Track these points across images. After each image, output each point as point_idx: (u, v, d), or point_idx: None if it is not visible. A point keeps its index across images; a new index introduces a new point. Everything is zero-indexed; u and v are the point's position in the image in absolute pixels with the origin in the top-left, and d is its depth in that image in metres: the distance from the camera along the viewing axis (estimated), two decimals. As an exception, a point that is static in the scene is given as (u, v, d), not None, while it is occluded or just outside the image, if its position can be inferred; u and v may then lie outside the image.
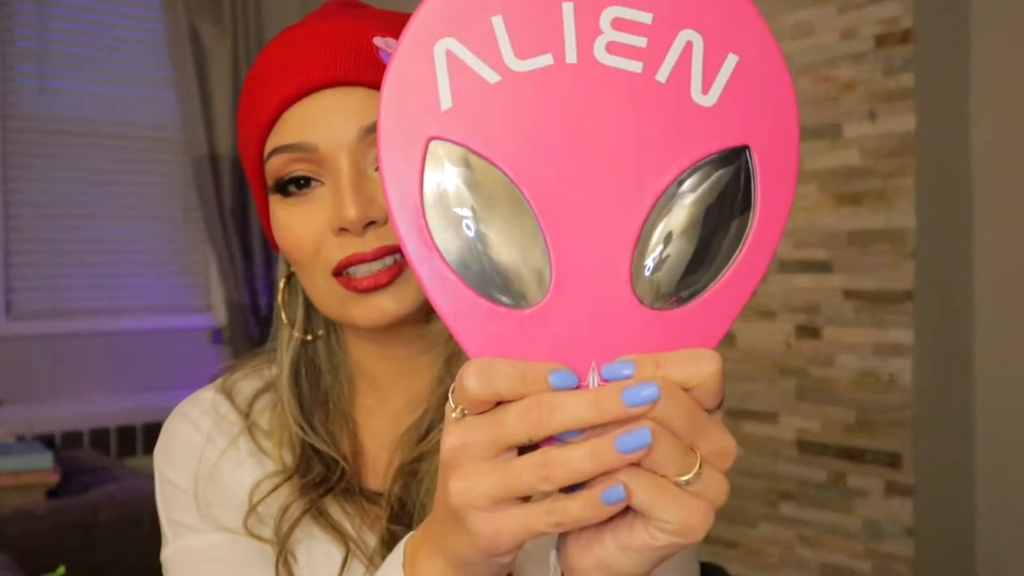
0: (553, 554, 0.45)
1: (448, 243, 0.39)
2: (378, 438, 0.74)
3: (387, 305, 0.64)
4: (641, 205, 0.39)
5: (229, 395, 0.75)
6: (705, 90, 0.40)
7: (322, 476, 0.70)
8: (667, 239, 0.40)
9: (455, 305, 0.40)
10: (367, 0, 0.73)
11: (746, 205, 0.40)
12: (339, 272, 0.64)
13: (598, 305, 0.40)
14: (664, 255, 0.40)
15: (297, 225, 0.65)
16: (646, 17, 0.39)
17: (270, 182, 0.66)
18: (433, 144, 0.39)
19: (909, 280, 1.73)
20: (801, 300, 1.89)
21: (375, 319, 0.65)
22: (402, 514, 0.69)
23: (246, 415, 0.73)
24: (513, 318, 0.40)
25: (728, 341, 2.02)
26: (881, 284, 1.77)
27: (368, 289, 0.64)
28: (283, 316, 0.73)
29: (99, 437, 3.10)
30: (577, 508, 0.38)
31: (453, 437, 0.40)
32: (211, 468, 0.71)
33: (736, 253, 0.40)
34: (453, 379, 0.66)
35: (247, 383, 0.76)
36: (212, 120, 3.33)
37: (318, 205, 0.65)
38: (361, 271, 0.64)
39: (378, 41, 0.66)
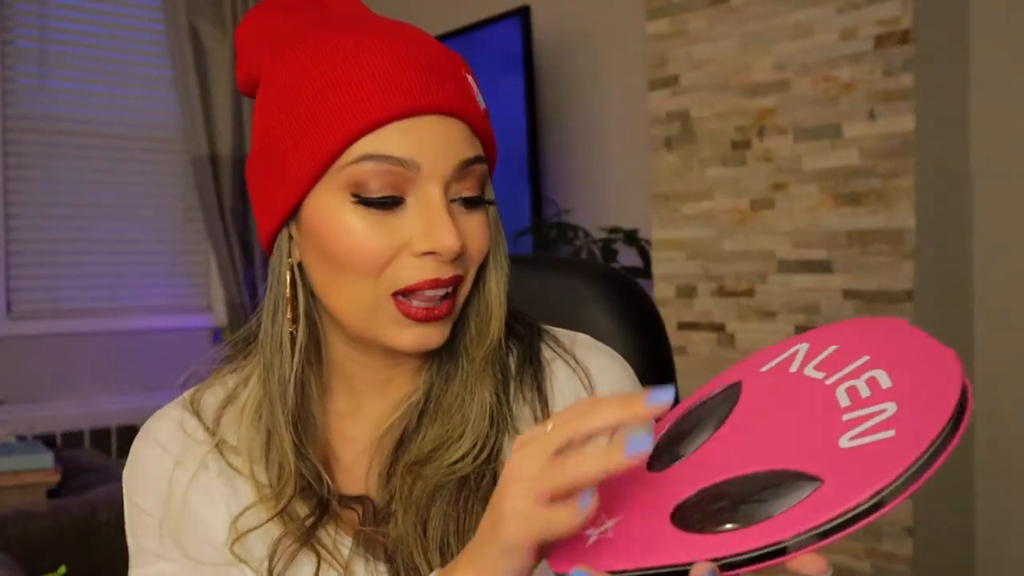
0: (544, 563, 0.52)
1: (671, 431, 0.56)
2: (354, 444, 0.73)
3: (433, 338, 0.66)
4: (740, 470, 0.50)
5: (196, 412, 0.73)
6: (853, 438, 0.48)
7: (316, 499, 0.68)
8: (718, 495, 0.49)
9: None
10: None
11: (762, 514, 0.47)
12: (402, 293, 0.64)
13: (656, 498, 0.51)
14: (705, 501, 0.49)
15: (374, 235, 0.64)
16: (888, 384, 0.50)
17: (348, 184, 0.64)
18: (736, 383, 0.57)
19: (909, 280, 1.73)
20: (801, 300, 1.89)
21: (412, 347, 0.66)
22: (385, 515, 0.68)
23: (213, 432, 0.72)
24: (638, 469, 0.53)
25: (728, 341, 2.02)
26: (881, 284, 1.77)
27: (423, 320, 0.65)
28: (288, 313, 0.69)
29: (99, 437, 3.11)
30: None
31: (525, 462, 0.50)
32: (183, 499, 0.70)
33: (720, 531, 0.48)
34: (433, 384, 0.71)
35: (212, 395, 0.75)
36: (212, 120, 3.33)
37: (401, 223, 0.64)
38: (426, 296, 0.64)
39: (468, 77, 0.68)
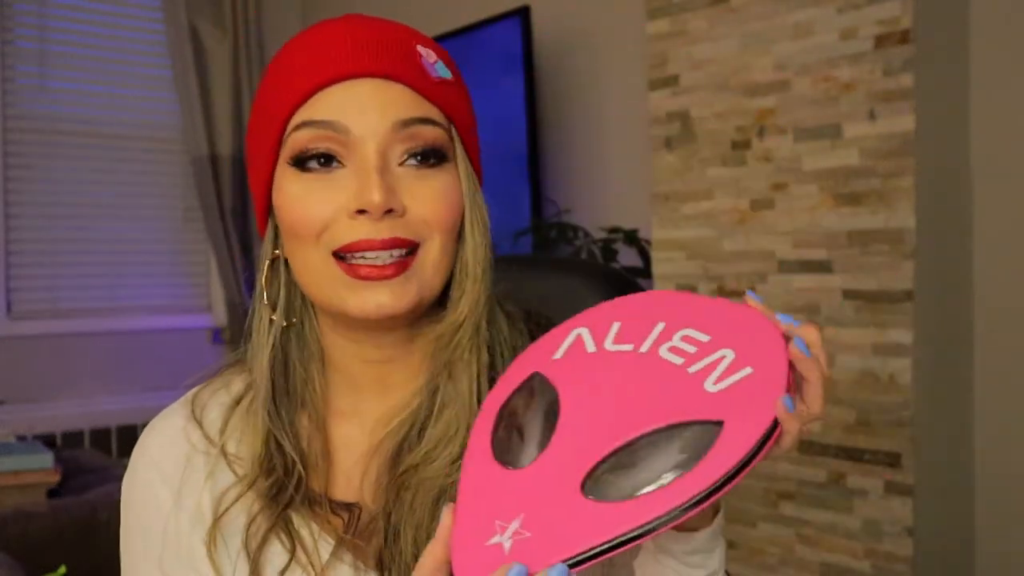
0: None
1: (501, 431, 0.57)
2: (352, 448, 0.72)
3: (384, 300, 0.64)
4: (629, 434, 0.52)
5: (199, 421, 0.72)
6: (715, 383, 0.53)
7: (280, 481, 0.67)
8: (627, 464, 0.51)
9: (478, 463, 0.55)
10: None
11: (694, 459, 0.50)
12: (342, 255, 0.64)
13: (552, 484, 0.52)
14: (618, 472, 0.51)
15: (311, 200, 0.65)
16: (705, 337, 0.55)
17: (289, 154, 0.66)
18: (534, 375, 0.58)
19: (909, 280, 1.73)
20: (801, 300, 1.89)
21: (370, 311, 0.64)
22: (376, 523, 0.67)
23: (215, 442, 0.71)
24: (498, 472, 0.54)
25: (728, 341, 2.02)
26: (881, 284, 1.77)
27: (368, 278, 0.64)
28: (265, 297, 0.70)
29: (99, 437, 3.11)
30: None
31: None
32: (177, 535, 0.69)
33: (661, 485, 0.50)
34: (434, 390, 0.69)
35: (216, 401, 0.74)
36: (212, 120, 3.33)
37: (337, 185, 0.65)
38: (367, 258, 0.64)
39: (420, 49, 0.68)
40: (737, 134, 1.99)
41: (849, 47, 1.80)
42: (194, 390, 0.75)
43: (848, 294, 1.82)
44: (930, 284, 1.77)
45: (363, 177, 0.63)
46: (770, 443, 0.50)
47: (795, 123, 1.89)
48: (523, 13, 2.57)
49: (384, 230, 0.63)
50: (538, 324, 0.76)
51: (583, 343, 0.58)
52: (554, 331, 0.61)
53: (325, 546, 0.67)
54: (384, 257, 0.64)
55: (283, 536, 0.67)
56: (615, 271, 1.02)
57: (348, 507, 0.69)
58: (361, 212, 0.63)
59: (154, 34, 3.37)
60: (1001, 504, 1.84)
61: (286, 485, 0.67)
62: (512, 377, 0.59)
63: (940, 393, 1.81)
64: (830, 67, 1.83)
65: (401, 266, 0.64)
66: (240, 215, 3.37)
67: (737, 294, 2.01)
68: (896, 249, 1.74)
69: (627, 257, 2.42)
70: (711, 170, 2.05)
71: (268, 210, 0.70)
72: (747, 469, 0.49)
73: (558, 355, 0.58)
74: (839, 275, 1.83)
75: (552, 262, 1.11)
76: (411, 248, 0.65)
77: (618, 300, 0.61)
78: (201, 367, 0.77)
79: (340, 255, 0.64)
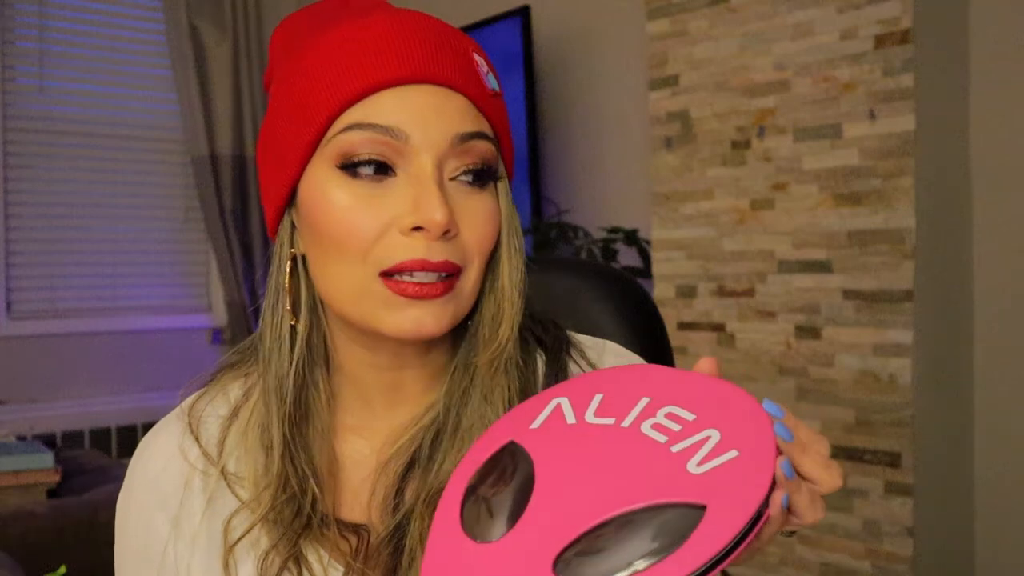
0: None
1: (471, 502, 0.54)
2: (360, 464, 0.68)
3: (425, 320, 0.61)
4: (606, 513, 0.50)
5: (197, 436, 0.69)
6: (699, 464, 0.50)
7: (296, 502, 0.64)
8: (602, 544, 0.49)
9: (445, 535, 0.52)
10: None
11: (674, 544, 0.48)
12: (391, 273, 0.60)
13: (523, 561, 0.50)
14: (592, 553, 0.49)
15: (360, 212, 0.60)
16: (691, 416, 0.53)
17: (334, 155, 0.61)
18: (510, 443, 0.56)
19: (909, 280, 1.73)
20: (801, 300, 1.89)
21: (408, 331, 0.61)
22: (386, 546, 0.64)
23: (217, 464, 0.67)
24: (467, 545, 0.52)
25: (728, 341, 2.02)
26: (881, 284, 1.77)
27: (414, 296, 0.60)
28: (287, 303, 0.66)
29: (100, 437, 3.11)
30: None
31: None
32: (175, 566, 0.67)
33: (637, 570, 0.47)
34: (451, 409, 0.67)
35: (213, 412, 0.70)
36: (212, 120, 3.33)
37: (389, 196, 0.60)
38: (415, 276, 0.60)
39: (476, 57, 0.64)
40: (737, 134, 1.99)
41: (849, 47, 1.80)
42: (190, 399, 0.71)
43: (848, 294, 1.82)
44: (930, 284, 1.77)
45: (421, 191, 0.59)
46: (754, 532, 0.48)
47: (795, 123, 1.89)
48: (523, 13, 2.57)
49: (437, 251, 0.60)
50: (545, 329, 0.73)
51: (563, 414, 0.56)
52: (533, 399, 0.59)
53: (335, 573, 0.64)
54: (432, 277, 0.61)
55: (291, 565, 0.63)
56: (615, 271, 1.02)
57: (356, 529, 0.66)
58: (417, 229, 0.59)
59: (154, 34, 3.37)
60: (1001, 504, 1.84)
61: (302, 507, 0.64)
62: (486, 444, 0.56)
63: (940, 393, 1.81)
64: (830, 67, 1.83)
65: (447, 286, 0.61)
66: (240, 215, 3.37)
67: (737, 294, 2.01)
68: (896, 249, 1.74)
69: (627, 257, 2.42)
70: (711, 170, 2.05)
71: (285, 205, 0.66)
72: (728, 559, 0.47)
73: (535, 424, 0.56)
74: (839, 275, 1.83)
75: (552, 262, 1.11)
76: (457, 272, 0.62)
77: (602, 371, 0.59)
78: (201, 367, 0.74)
79: (387, 273, 0.60)
